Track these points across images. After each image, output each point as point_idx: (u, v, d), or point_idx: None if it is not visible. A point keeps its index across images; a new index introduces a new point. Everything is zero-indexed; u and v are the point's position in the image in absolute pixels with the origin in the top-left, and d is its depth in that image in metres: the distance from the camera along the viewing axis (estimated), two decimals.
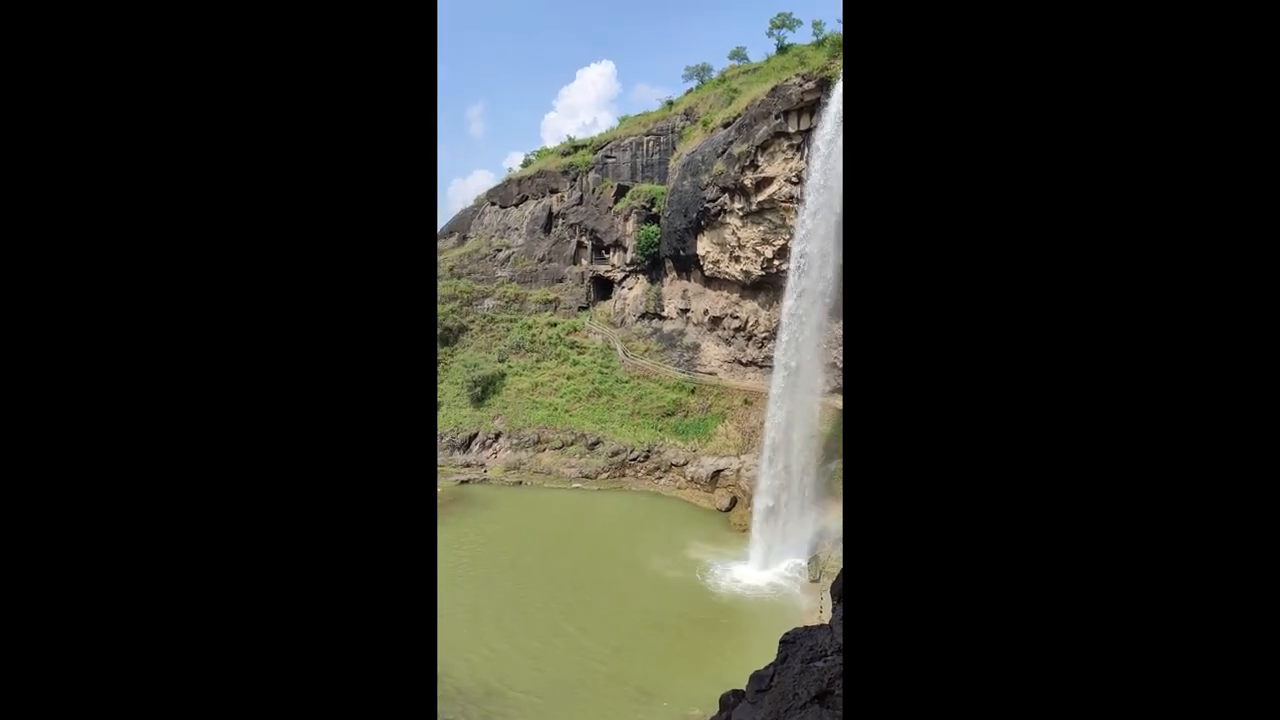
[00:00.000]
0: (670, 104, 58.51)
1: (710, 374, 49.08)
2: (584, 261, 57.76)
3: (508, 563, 31.02)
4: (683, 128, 53.82)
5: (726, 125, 45.08)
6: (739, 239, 44.35)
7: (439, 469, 46.95)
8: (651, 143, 55.60)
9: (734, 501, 39.47)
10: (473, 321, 56.80)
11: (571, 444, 47.41)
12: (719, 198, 44.23)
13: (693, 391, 48.04)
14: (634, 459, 45.36)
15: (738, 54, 58.95)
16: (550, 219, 58.71)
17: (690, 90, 59.14)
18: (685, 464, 43.59)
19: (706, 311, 49.46)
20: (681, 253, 49.54)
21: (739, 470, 40.98)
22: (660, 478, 44.27)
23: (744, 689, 7.30)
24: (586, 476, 45.08)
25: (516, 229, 60.25)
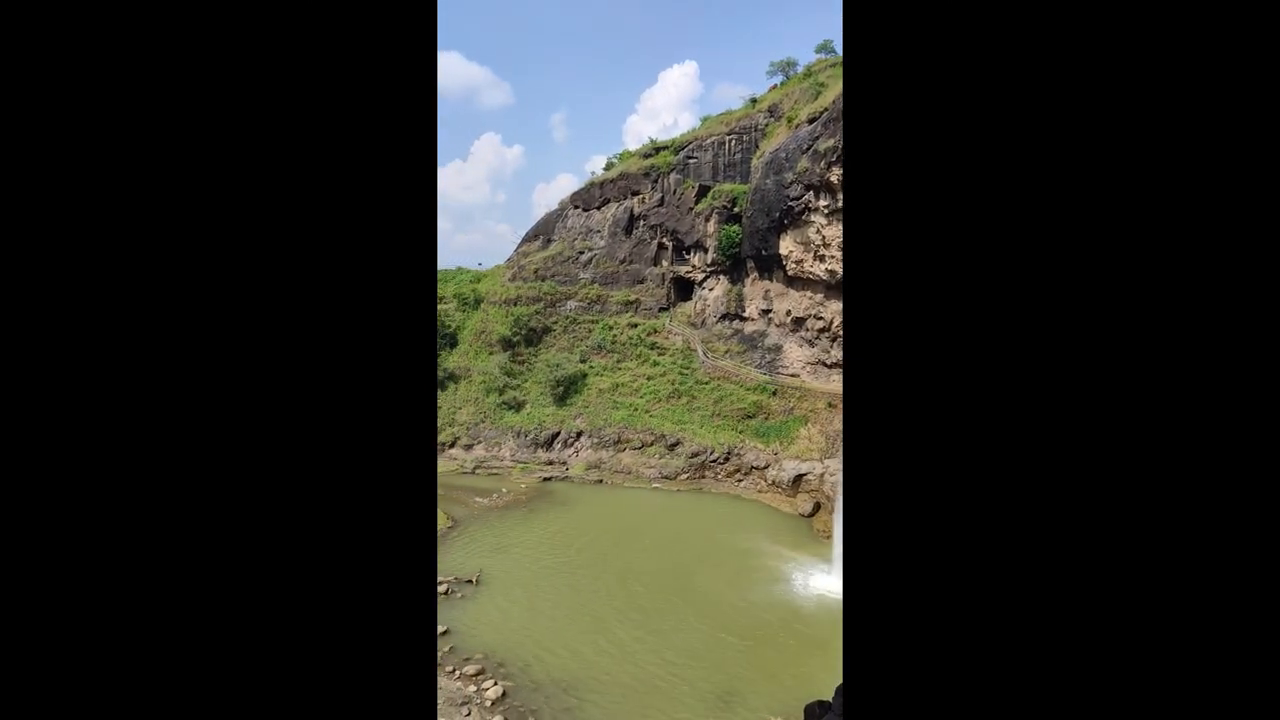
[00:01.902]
0: (753, 101, 57.72)
1: (792, 376, 48.00)
2: (664, 263, 57.93)
3: (588, 560, 31.52)
4: (766, 125, 52.96)
5: (812, 120, 43.95)
6: (823, 237, 43.11)
7: (523, 465, 48.40)
8: (734, 141, 55.06)
9: (817, 507, 38.38)
10: (555, 323, 58.19)
11: (651, 444, 47.63)
12: (803, 195, 43.17)
13: (774, 393, 47.13)
14: (714, 461, 45.01)
15: (825, 47, 57.38)
16: (631, 221, 59.27)
17: (774, 86, 58.13)
18: (766, 467, 42.84)
19: (789, 312, 48.40)
20: (763, 252, 48.73)
21: (822, 475, 39.82)
22: (740, 480, 43.71)
23: (829, 700, 7.04)
24: (666, 477, 45.17)
25: (598, 231, 61.22)
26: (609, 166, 66.53)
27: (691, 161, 56.71)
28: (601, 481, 45.64)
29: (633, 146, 67.16)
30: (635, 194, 59.46)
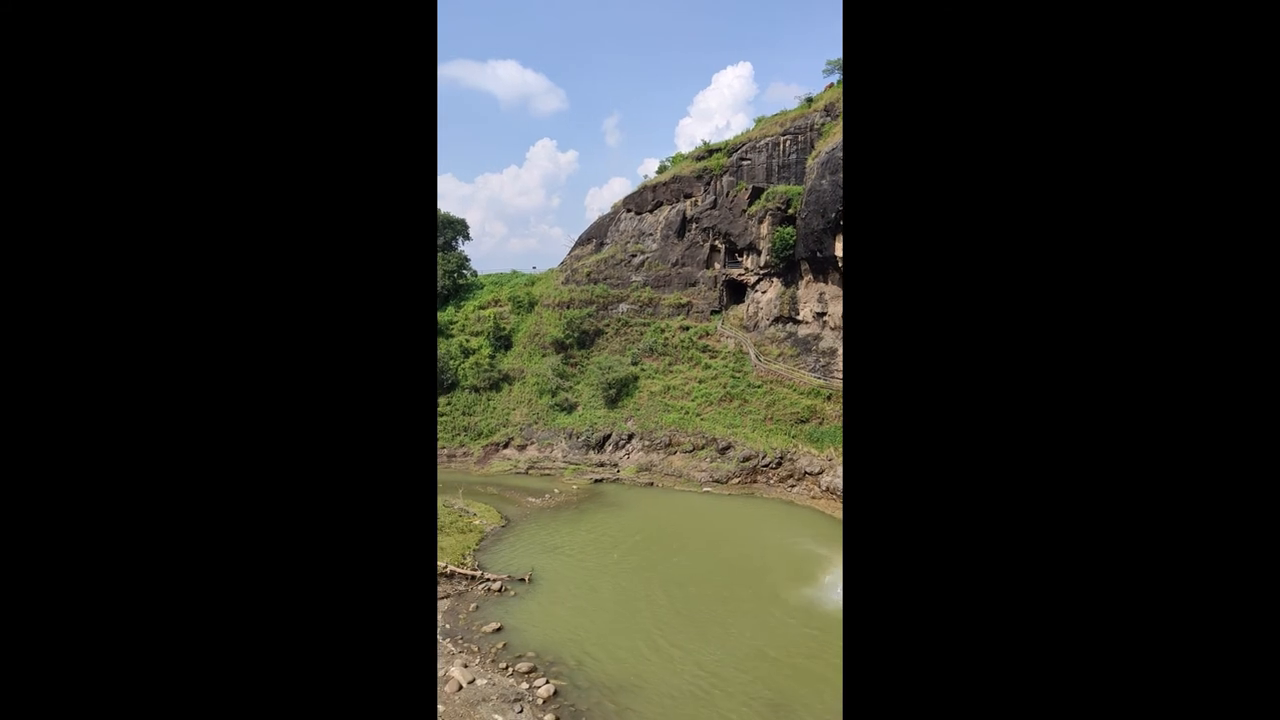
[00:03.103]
0: (809, 101, 56.74)
1: None
2: (717, 265, 57.58)
3: (638, 563, 31.58)
4: (822, 125, 51.98)
5: None
6: None
7: (575, 467, 48.89)
8: (788, 142, 54.26)
9: None
10: (608, 325, 58.60)
11: (702, 448, 47.36)
12: None
13: (828, 398, 46.15)
14: (766, 465, 44.39)
15: None
16: (684, 224, 59.16)
17: (831, 85, 57.01)
18: (820, 473, 41.97)
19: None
20: (818, 254, 47.82)
21: None
22: (793, 486, 42.96)
23: None
24: (717, 481, 44.82)
25: (651, 234, 61.36)
26: (661, 170, 66.59)
27: (745, 163, 56.18)
28: (652, 484, 45.64)
29: (685, 149, 67.00)
30: (687, 197, 59.33)
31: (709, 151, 59.76)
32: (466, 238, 78.25)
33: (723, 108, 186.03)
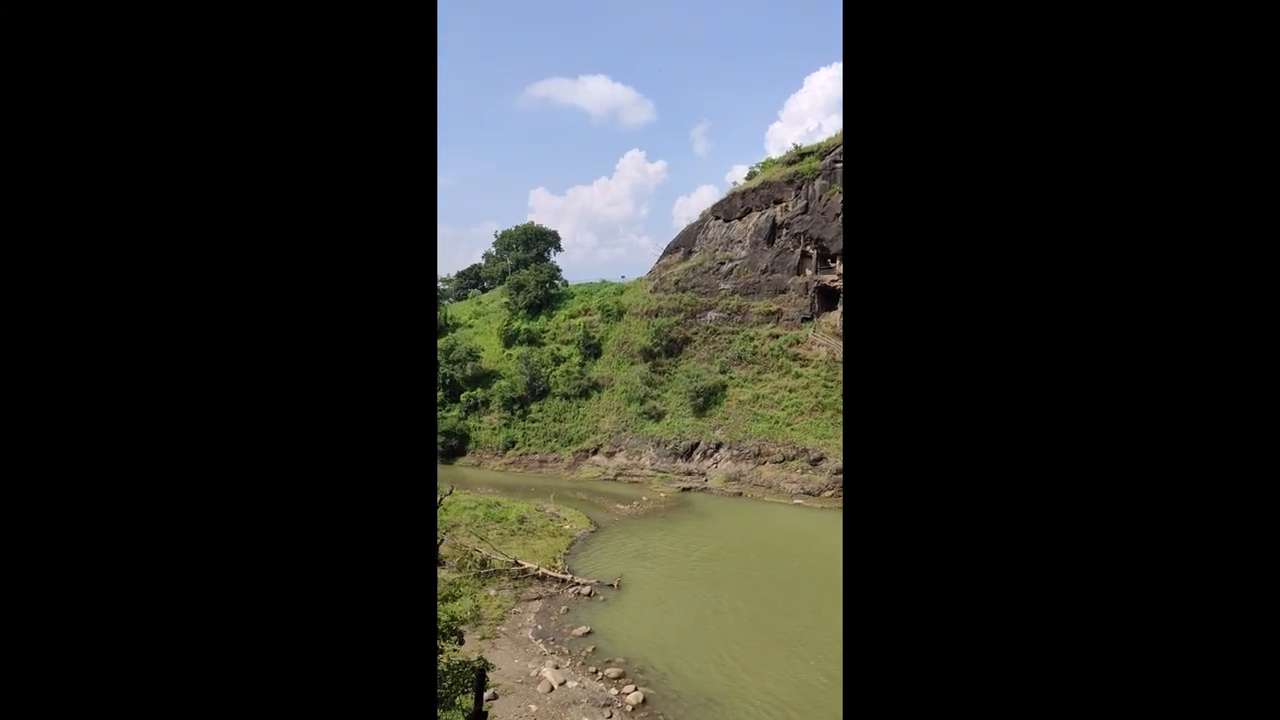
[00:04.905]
0: None
1: None
2: (808, 272, 56.16)
3: (727, 575, 31.12)
4: None
5: None
6: None
7: (663, 475, 48.98)
8: None
9: None
10: (695, 333, 58.43)
11: (793, 459, 46.18)
12: None
13: None
14: None
15: None
16: (774, 230, 58.16)
17: None
18: None
19: None
20: None
21: None
22: None
23: None
24: (809, 494, 43.51)
25: (740, 241, 60.73)
26: (750, 176, 65.83)
27: (839, 166, 54.54)
28: (741, 495, 44.94)
29: (775, 154, 65.88)
30: (778, 202, 58.30)
31: (800, 155, 58.49)
32: (558, 249, 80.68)
33: (815, 110, 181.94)
